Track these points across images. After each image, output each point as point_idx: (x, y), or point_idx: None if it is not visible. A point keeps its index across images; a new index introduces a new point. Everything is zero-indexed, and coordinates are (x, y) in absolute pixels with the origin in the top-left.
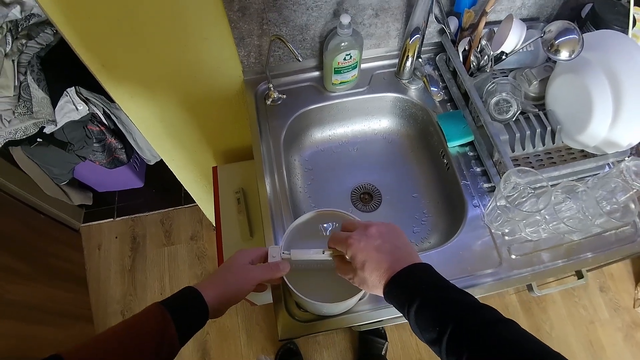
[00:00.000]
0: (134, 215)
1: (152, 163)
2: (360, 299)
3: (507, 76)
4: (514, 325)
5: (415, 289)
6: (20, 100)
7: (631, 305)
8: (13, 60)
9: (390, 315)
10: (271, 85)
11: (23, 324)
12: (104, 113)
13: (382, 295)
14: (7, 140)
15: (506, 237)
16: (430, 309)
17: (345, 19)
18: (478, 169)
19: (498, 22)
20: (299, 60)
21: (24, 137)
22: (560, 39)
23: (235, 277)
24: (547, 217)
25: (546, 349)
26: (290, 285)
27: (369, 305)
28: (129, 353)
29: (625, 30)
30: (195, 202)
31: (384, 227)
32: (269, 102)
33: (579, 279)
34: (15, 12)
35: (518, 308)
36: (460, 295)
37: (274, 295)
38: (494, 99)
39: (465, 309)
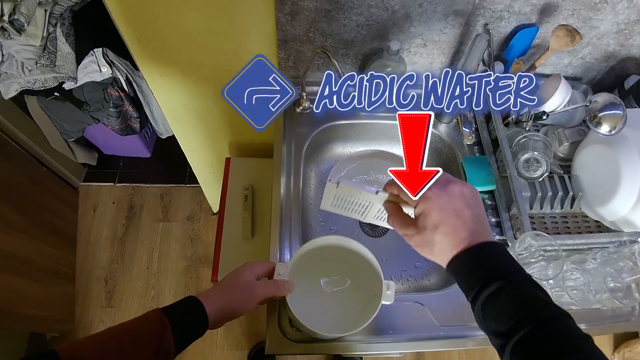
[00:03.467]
0: (135, 184)
1: (163, 137)
2: None
3: (539, 130)
4: (590, 344)
5: (494, 271)
6: (45, 52)
7: None
8: (45, 10)
9: (381, 351)
10: (304, 94)
11: (7, 275)
12: (126, 79)
13: (444, 265)
14: (24, 88)
15: None
16: (509, 300)
17: (395, 46)
18: (493, 219)
19: (542, 75)
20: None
21: (42, 88)
22: (605, 112)
23: (239, 292)
24: (551, 282)
25: None
26: (291, 308)
27: (361, 336)
28: (126, 356)
29: None
30: (199, 183)
31: (467, 190)
32: (298, 110)
33: None
34: None
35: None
36: (542, 293)
37: (268, 306)
38: (525, 156)
39: (549, 312)
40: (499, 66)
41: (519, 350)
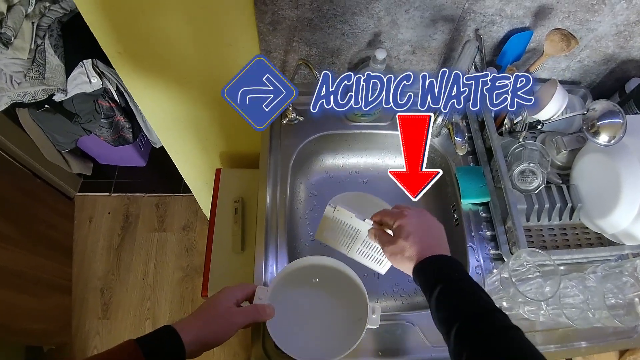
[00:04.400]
0: (130, 194)
1: (157, 146)
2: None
3: (536, 137)
4: (518, 334)
5: (443, 275)
6: (34, 64)
7: None
8: (33, 23)
9: None
10: (290, 105)
11: (0, 289)
12: (117, 90)
13: (410, 271)
14: (14, 101)
15: None
16: (454, 297)
17: (380, 54)
18: (488, 233)
19: (538, 80)
20: None
21: (32, 101)
22: (603, 121)
23: (218, 321)
24: (550, 300)
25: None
26: (271, 334)
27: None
28: None
29: None
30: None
31: (435, 219)
32: (284, 121)
33: None
34: None
35: None
36: (484, 294)
37: (252, 328)
38: (520, 168)
39: (477, 308)
40: (493, 72)
41: (456, 344)
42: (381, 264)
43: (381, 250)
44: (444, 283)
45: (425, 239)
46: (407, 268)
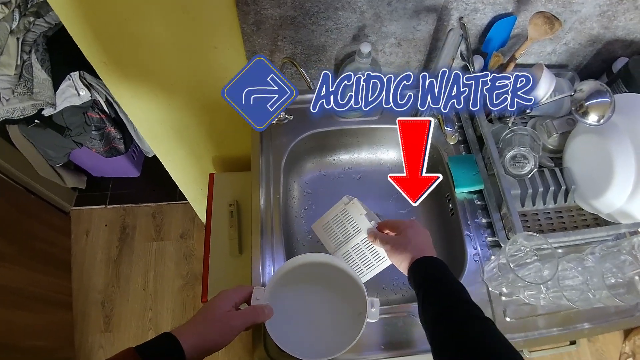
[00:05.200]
0: (126, 205)
1: (150, 155)
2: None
3: (526, 123)
4: (486, 323)
5: (429, 274)
6: (21, 80)
7: (616, 358)
8: (18, 38)
9: None
10: None
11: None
12: (106, 101)
13: (405, 266)
14: (3, 118)
15: (503, 298)
16: (432, 296)
17: (365, 48)
18: (484, 220)
19: (525, 65)
20: (310, 89)
21: (21, 117)
22: (591, 101)
23: (216, 326)
24: (549, 283)
25: (508, 349)
26: (270, 334)
27: (350, 355)
28: None
29: None
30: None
31: (429, 234)
32: (274, 121)
33: (571, 344)
34: None
35: None
36: (465, 294)
37: (253, 330)
38: (511, 153)
39: (452, 301)
40: (479, 60)
41: (432, 331)
42: (360, 275)
43: (366, 261)
44: (430, 282)
45: (424, 243)
46: (405, 259)
